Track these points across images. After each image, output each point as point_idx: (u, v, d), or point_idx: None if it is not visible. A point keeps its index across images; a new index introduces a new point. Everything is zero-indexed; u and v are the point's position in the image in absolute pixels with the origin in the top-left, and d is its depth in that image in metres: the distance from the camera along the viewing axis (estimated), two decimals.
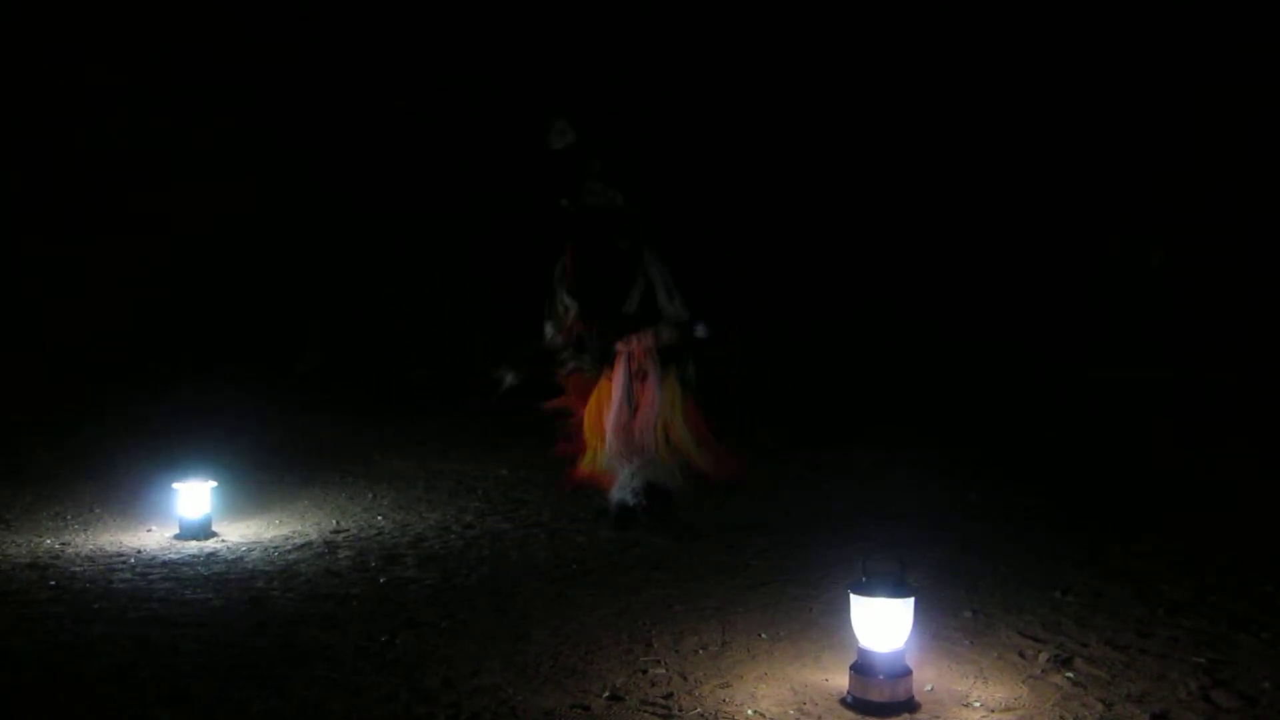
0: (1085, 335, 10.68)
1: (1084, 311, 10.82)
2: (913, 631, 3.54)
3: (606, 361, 6.09)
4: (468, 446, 8.83)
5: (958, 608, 4.54)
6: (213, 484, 5.95)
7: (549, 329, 6.16)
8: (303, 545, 5.70)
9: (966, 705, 3.53)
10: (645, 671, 3.84)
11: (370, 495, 7.09)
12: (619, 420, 5.97)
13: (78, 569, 5.20)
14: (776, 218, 12.42)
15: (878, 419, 9.65)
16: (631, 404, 5.99)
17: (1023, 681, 3.74)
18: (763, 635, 4.24)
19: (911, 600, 3.51)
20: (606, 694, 3.63)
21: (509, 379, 6.19)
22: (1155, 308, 10.27)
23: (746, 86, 12.04)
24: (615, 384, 6.01)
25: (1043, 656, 3.97)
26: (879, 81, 11.74)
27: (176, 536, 5.82)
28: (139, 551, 5.56)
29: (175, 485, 5.90)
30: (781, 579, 5.04)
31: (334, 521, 6.32)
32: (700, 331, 6.09)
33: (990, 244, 11.46)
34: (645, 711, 3.49)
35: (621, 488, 5.99)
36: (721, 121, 12.14)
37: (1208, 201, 10.00)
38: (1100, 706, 3.51)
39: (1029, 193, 11.29)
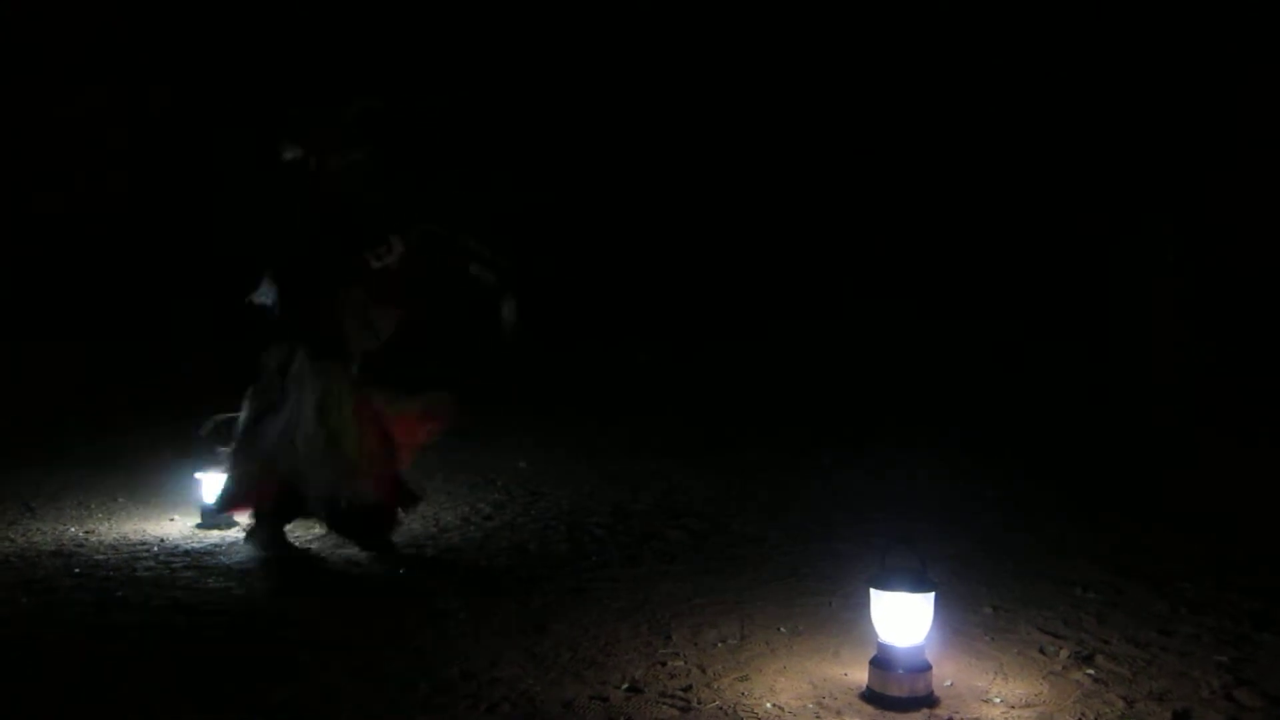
0: (1100, 325, 10.60)
1: (1099, 301, 10.74)
2: (933, 627, 3.53)
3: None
4: (485, 439, 8.84)
5: (978, 603, 4.53)
6: None
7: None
8: (324, 535, 5.71)
9: (986, 701, 3.52)
10: (664, 664, 3.85)
11: None
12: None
13: (101, 557, 5.26)
14: (788, 207, 12.41)
15: (893, 414, 9.62)
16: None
17: (1043, 678, 3.72)
18: (781, 629, 4.24)
19: (932, 595, 3.50)
20: (625, 686, 3.64)
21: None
22: (1171, 297, 10.19)
23: (751, 84, 12.05)
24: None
25: (1064, 653, 3.96)
26: (890, 80, 11.69)
27: (199, 525, 5.87)
28: (162, 540, 5.60)
29: (198, 475, 5.94)
30: (800, 573, 5.04)
31: None
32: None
33: (1003, 234, 11.39)
34: (664, 704, 3.49)
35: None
36: (724, 120, 12.14)
37: (1226, 189, 9.91)
38: (1122, 704, 3.49)
39: (1045, 180, 11.21)
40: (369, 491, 5.22)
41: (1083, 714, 3.41)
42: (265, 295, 5.34)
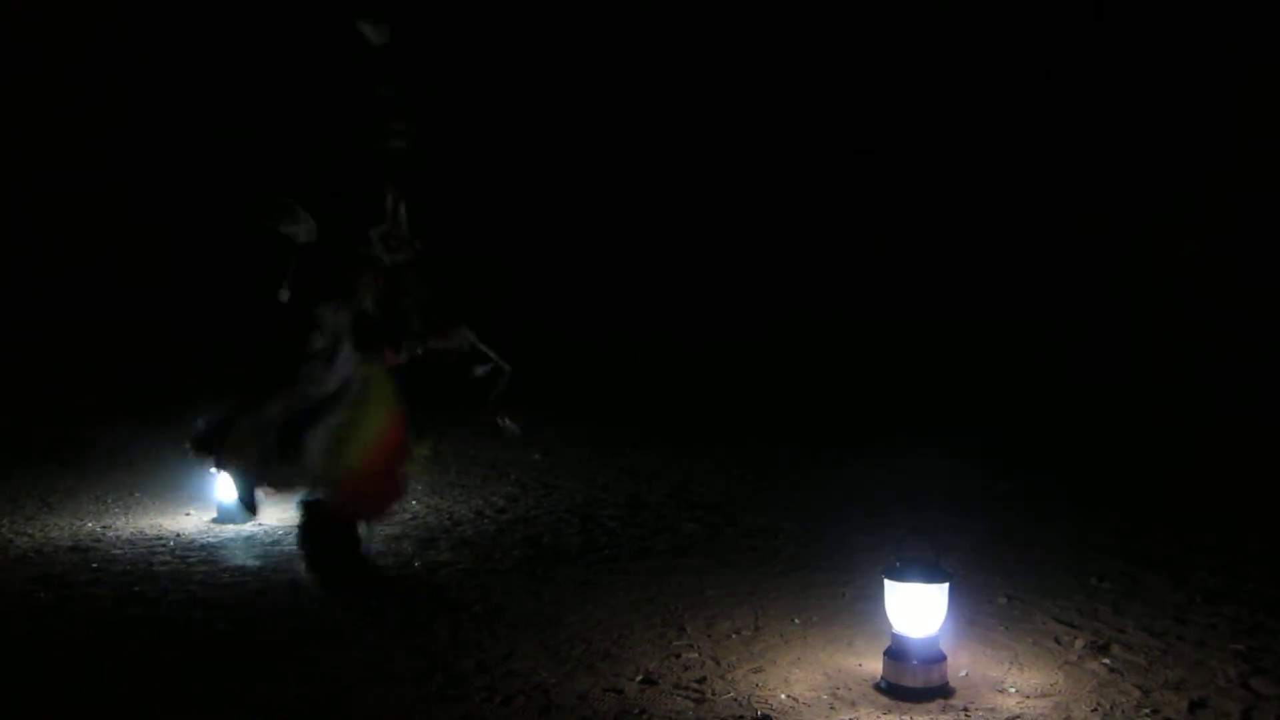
0: (1102, 325, 10.57)
1: (1100, 301, 10.71)
2: (947, 617, 3.53)
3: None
4: (498, 433, 8.85)
5: (992, 593, 4.52)
6: None
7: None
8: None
9: (1002, 691, 3.52)
10: (678, 655, 3.86)
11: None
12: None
13: (118, 552, 5.29)
14: (796, 207, 12.41)
15: (905, 407, 9.60)
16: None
17: (1059, 668, 3.72)
18: (795, 620, 4.24)
19: (946, 585, 3.50)
20: (639, 678, 3.65)
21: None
22: (1172, 296, 10.15)
23: (755, 82, 12.03)
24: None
25: (1079, 643, 3.95)
26: (896, 81, 11.67)
27: (215, 520, 5.89)
28: (178, 535, 5.63)
29: (213, 470, 5.95)
30: (813, 564, 5.04)
31: None
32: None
33: (1005, 235, 11.36)
34: (678, 695, 3.50)
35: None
36: (738, 120, 12.14)
37: (1246, 186, 9.86)
38: (1138, 693, 3.49)
39: (1046, 181, 11.18)
40: (339, 496, 4.72)
41: (1098, 704, 3.40)
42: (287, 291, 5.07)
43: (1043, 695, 3.48)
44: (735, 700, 3.46)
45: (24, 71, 11.05)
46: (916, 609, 3.46)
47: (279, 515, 6.04)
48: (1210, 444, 7.75)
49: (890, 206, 12.24)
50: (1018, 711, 3.36)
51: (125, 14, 11.56)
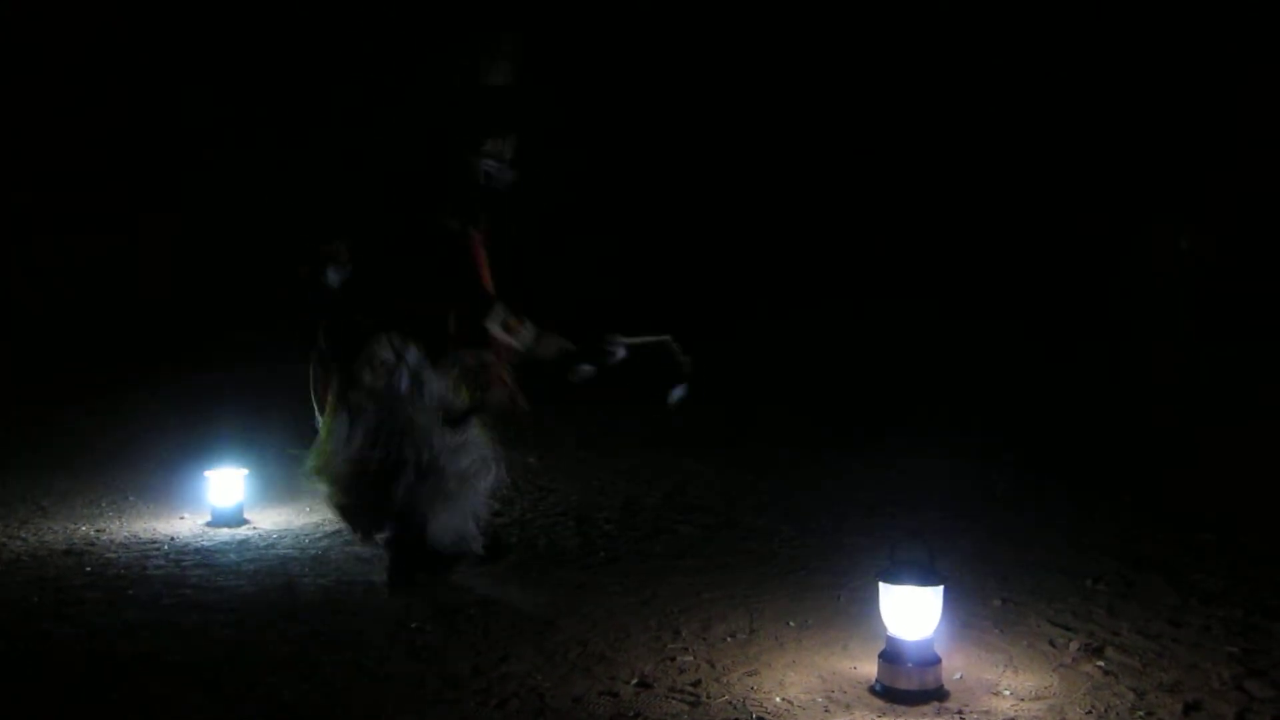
0: (1111, 319, 10.57)
1: (1101, 301, 10.71)
2: (942, 620, 3.52)
3: None
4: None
5: (987, 595, 4.51)
6: (244, 471, 6.00)
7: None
8: (333, 532, 5.72)
9: (996, 694, 3.51)
10: (673, 659, 3.85)
11: None
12: None
13: (112, 555, 5.28)
14: (797, 205, 12.41)
15: (903, 407, 9.59)
16: None
17: (1053, 670, 3.71)
18: (791, 623, 4.23)
19: (940, 588, 3.49)
20: (635, 681, 3.64)
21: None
22: (1172, 296, 10.15)
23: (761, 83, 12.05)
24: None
25: (1074, 645, 3.94)
26: (901, 82, 11.67)
27: (209, 524, 5.88)
28: (172, 539, 5.62)
29: (207, 473, 5.95)
30: (809, 567, 5.03)
31: None
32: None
33: (1007, 235, 11.36)
34: (673, 699, 3.49)
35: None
36: (737, 118, 12.15)
37: (1241, 185, 9.86)
38: (1132, 696, 3.48)
39: (1047, 181, 11.18)
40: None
41: (1093, 706, 3.40)
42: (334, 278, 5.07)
43: (1037, 698, 3.47)
44: (730, 704, 3.45)
45: (24, 71, 11.06)
46: (911, 612, 3.45)
47: (272, 519, 6.05)
48: (1210, 444, 7.75)
49: (890, 207, 12.25)
50: (1012, 714, 3.36)
51: (125, 14, 11.59)
